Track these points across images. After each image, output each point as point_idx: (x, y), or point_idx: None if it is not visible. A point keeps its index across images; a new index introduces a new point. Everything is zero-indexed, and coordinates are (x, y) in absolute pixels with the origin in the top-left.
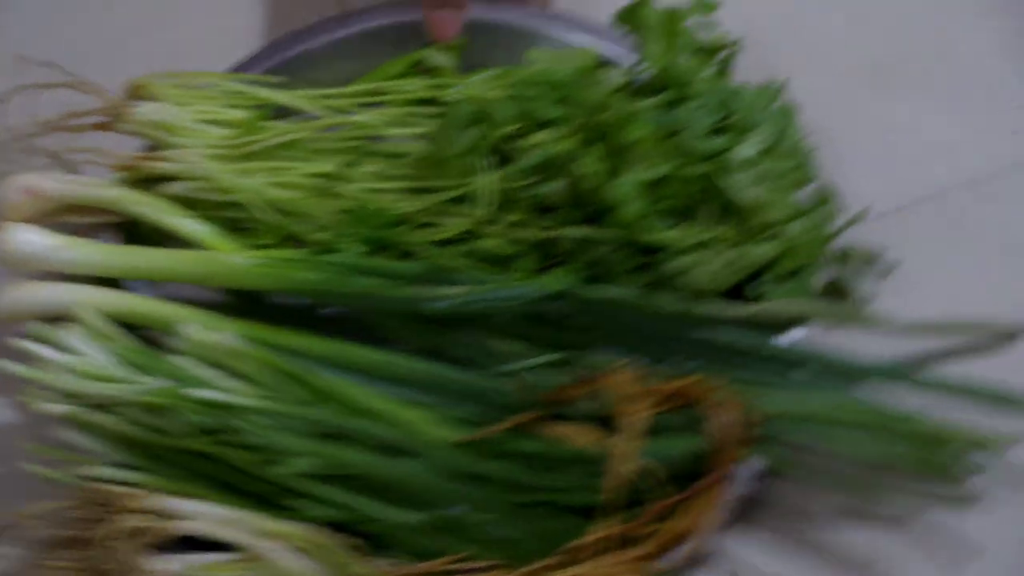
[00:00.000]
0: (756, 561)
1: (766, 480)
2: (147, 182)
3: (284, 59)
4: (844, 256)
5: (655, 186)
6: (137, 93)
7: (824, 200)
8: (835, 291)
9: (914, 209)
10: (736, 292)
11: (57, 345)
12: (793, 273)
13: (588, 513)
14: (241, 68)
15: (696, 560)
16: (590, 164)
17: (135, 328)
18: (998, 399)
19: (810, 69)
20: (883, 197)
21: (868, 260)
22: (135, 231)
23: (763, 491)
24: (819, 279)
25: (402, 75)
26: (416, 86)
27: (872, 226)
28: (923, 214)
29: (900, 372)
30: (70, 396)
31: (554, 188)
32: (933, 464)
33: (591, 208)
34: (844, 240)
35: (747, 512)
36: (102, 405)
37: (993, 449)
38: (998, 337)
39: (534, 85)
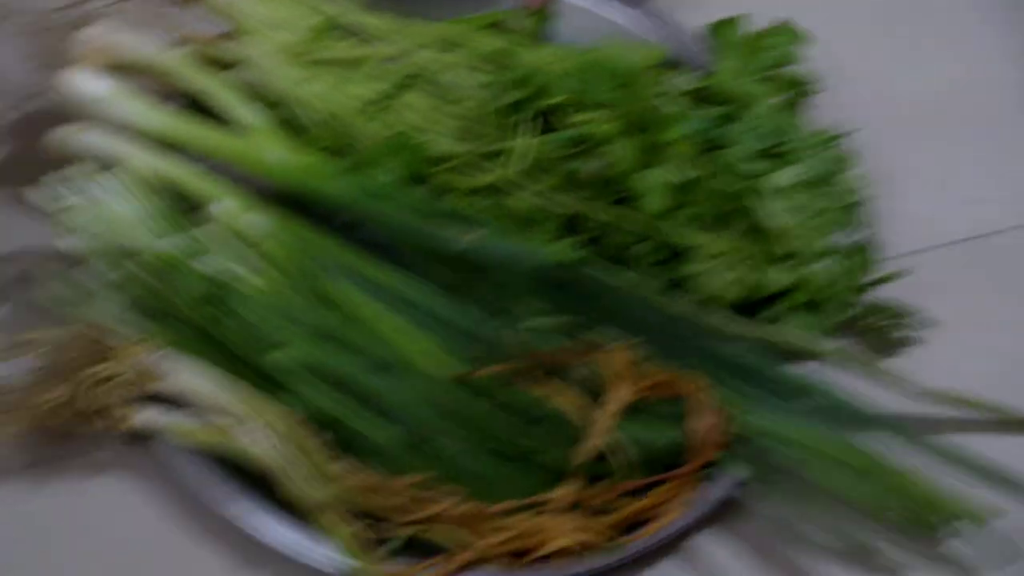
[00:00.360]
0: (723, 565)
1: (751, 492)
2: (218, 64)
3: None
4: (875, 308)
5: (684, 189)
6: None
7: (862, 249)
8: (867, 336)
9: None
10: (752, 312)
11: (95, 188)
12: (811, 307)
13: (557, 474)
14: None
15: (657, 549)
16: (623, 150)
17: (178, 196)
18: (993, 476)
19: (885, 121)
20: (929, 246)
21: (898, 316)
22: (197, 107)
23: (745, 501)
24: (846, 321)
25: (481, 29)
26: (491, 42)
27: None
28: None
29: (901, 428)
30: (94, 237)
31: (587, 166)
32: (917, 521)
33: (619, 193)
34: (881, 292)
35: (724, 517)
36: (122, 253)
37: (978, 520)
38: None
39: (596, 68)
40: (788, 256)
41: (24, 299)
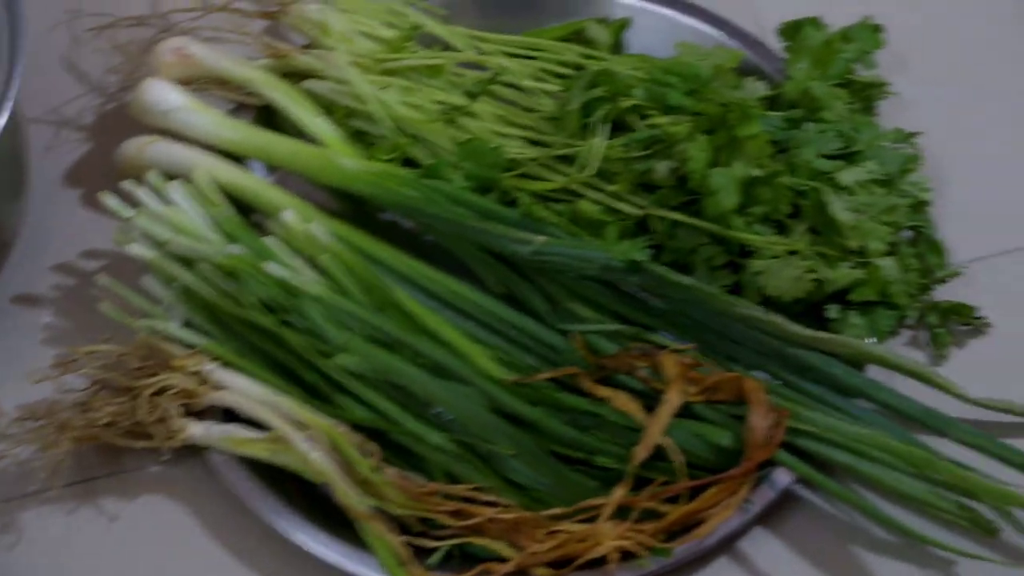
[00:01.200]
0: (776, 566)
1: (802, 492)
2: (292, 76)
3: None
4: (935, 308)
5: (753, 187)
6: None
7: (927, 249)
8: (927, 337)
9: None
10: (815, 313)
11: (161, 196)
12: (874, 306)
13: (610, 480)
14: None
15: (708, 551)
16: (696, 149)
17: (243, 209)
18: None
19: (954, 126)
20: (994, 252)
21: (960, 315)
22: (268, 119)
23: (796, 502)
24: (906, 321)
25: (560, 39)
26: (568, 51)
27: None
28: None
29: (956, 428)
30: (159, 245)
31: (659, 167)
32: (972, 518)
33: (689, 195)
34: (943, 293)
35: (777, 517)
36: (185, 260)
37: None
38: None
39: (671, 73)
40: (853, 254)
41: (86, 306)
